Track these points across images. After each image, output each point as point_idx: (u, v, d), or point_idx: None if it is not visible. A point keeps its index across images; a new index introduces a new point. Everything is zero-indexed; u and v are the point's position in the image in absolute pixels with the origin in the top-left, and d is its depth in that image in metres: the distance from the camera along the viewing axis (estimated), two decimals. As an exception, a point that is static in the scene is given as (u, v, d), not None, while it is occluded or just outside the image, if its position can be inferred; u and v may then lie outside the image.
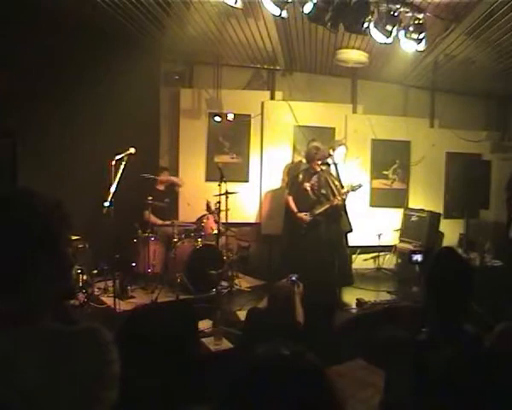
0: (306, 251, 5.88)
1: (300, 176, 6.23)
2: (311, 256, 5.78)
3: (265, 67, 7.64)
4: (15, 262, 1.03)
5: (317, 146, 6.15)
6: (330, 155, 6.54)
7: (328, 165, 6.48)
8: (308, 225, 6.00)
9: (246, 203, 7.45)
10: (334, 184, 6.16)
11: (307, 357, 0.93)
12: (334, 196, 6.03)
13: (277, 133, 7.54)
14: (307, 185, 6.11)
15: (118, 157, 5.05)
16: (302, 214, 6.02)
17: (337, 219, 6.17)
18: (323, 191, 6.07)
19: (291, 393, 0.86)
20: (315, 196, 6.08)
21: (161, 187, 6.55)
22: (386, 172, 7.83)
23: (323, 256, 5.90)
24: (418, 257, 5.76)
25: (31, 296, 1.05)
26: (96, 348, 1.08)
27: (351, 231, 6.50)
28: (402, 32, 4.78)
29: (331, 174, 6.38)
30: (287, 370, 0.89)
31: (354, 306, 5.71)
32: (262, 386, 0.88)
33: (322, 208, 5.99)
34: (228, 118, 7.18)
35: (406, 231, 7.49)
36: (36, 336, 1.02)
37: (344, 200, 6.18)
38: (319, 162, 6.16)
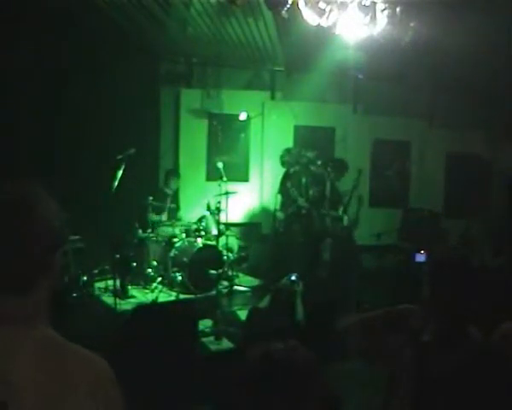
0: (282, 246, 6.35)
1: (286, 177, 6.53)
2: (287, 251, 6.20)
3: (265, 67, 7.63)
4: (31, 264, 1.02)
5: (287, 149, 6.60)
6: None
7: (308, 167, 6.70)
8: (283, 222, 6.40)
9: (246, 203, 7.45)
10: (305, 186, 6.44)
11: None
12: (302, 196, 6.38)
13: (277, 133, 7.53)
14: (288, 185, 6.43)
15: (118, 157, 5.04)
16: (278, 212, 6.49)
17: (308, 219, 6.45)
18: (296, 192, 6.40)
19: None
20: (293, 196, 6.40)
21: (170, 191, 6.48)
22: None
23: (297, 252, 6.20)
24: (422, 257, 5.72)
25: (36, 299, 1.03)
26: (93, 378, 1.01)
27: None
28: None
29: (306, 177, 6.58)
30: None
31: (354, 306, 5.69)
32: None
33: (291, 208, 6.36)
34: (240, 117, 7.18)
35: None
36: (34, 340, 1.00)
37: (312, 202, 6.42)
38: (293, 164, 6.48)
